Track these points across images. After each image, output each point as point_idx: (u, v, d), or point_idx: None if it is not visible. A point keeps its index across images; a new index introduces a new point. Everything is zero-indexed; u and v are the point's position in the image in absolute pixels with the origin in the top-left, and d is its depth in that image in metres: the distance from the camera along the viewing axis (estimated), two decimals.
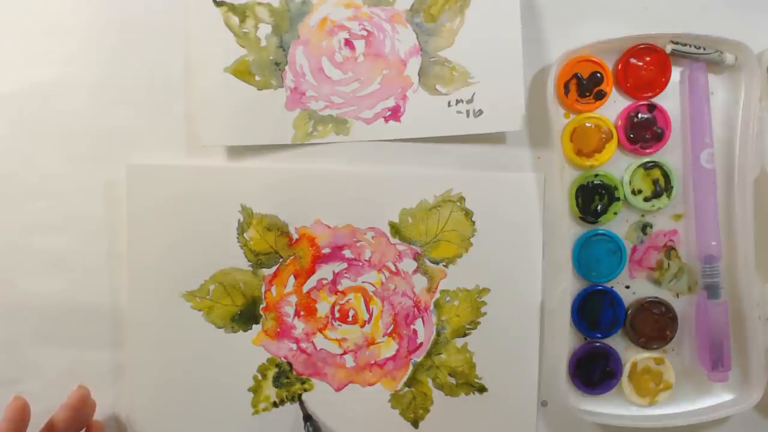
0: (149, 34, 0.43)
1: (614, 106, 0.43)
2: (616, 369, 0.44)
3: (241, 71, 0.42)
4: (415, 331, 0.44)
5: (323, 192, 0.42)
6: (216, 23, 0.42)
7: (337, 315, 0.43)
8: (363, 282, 0.43)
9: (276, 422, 0.43)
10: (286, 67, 0.42)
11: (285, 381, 0.43)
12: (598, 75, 0.42)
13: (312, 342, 0.43)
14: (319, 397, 0.43)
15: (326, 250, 0.43)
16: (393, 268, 0.43)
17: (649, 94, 0.43)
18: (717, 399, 0.45)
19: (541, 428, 0.45)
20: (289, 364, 0.43)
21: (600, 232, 0.43)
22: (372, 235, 0.43)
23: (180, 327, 0.42)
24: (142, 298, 0.42)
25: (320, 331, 0.43)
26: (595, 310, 0.44)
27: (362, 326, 0.43)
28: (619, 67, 0.43)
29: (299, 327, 0.43)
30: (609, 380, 0.44)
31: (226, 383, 0.43)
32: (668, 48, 0.42)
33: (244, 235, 0.42)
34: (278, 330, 0.43)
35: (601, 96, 0.43)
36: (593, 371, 0.44)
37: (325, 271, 0.43)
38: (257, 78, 0.42)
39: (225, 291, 0.42)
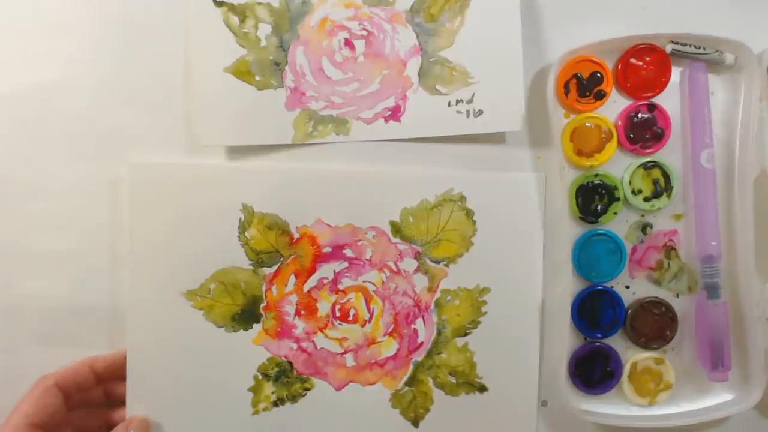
0: (149, 34, 0.43)
1: (614, 106, 0.43)
2: (616, 369, 0.44)
3: (241, 71, 0.42)
4: (415, 331, 0.44)
5: (324, 191, 0.42)
6: (216, 23, 0.42)
7: (337, 314, 0.43)
8: (364, 281, 0.43)
9: (276, 422, 0.43)
10: (286, 67, 0.42)
11: (285, 380, 0.43)
12: (598, 75, 0.42)
13: (312, 341, 0.43)
14: (319, 397, 0.43)
15: (327, 249, 0.43)
16: (394, 268, 0.43)
17: (649, 94, 0.43)
18: (717, 399, 0.45)
19: (541, 428, 0.45)
20: (290, 363, 0.43)
21: (600, 232, 0.43)
22: (373, 235, 0.43)
23: (180, 326, 0.42)
24: (143, 297, 0.42)
25: (321, 330, 0.43)
26: (595, 310, 0.44)
27: (363, 325, 0.43)
28: (619, 67, 0.43)
29: (300, 326, 0.43)
30: (609, 380, 0.44)
31: (226, 383, 0.43)
32: (668, 48, 0.42)
33: (245, 233, 0.42)
34: (279, 329, 0.43)
35: (601, 96, 0.43)
36: (593, 371, 0.44)
37: (325, 270, 0.43)
38: (257, 78, 0.42)
39: (226, 290, 0.42)
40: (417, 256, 0.43)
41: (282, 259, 0.43)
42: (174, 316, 0.42)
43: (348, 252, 0.43)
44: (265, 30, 0.42)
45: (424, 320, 0.43)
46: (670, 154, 0.44)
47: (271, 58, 0.42)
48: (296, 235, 0.43)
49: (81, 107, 0.43)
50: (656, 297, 0.44)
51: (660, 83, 0.43)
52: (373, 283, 0.43)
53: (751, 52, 0.42)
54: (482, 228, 0.43)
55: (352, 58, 0.42)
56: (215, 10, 0.42)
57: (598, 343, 0.44)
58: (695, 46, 0.42)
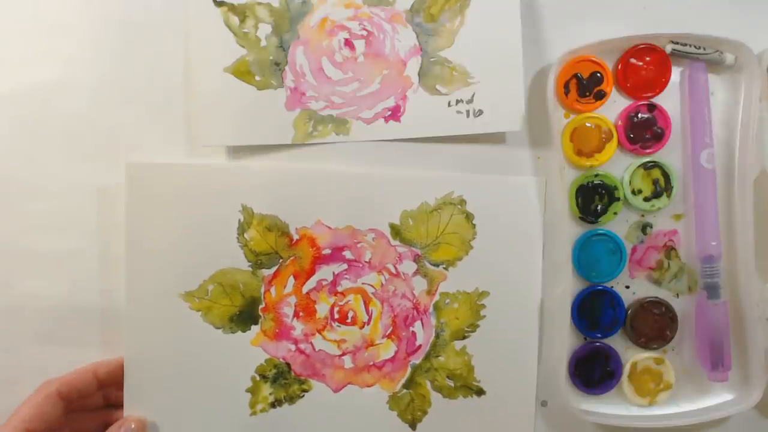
0: (149, 34, 0.43)
1: (614, 106, 0.43)
2: (616, 369, 0.44)
3: (241, 71, 0.42)
4: (414, 333, 0.44)
5: (324, 193, 0.42)
6: (216, 23, 0.42)
7: (336, 316, 0.43)
8: (363, 283, 0.43)
9: (273, 423, 0.43)
10: (286, 67, 0.42)
11: (283, 382, 0.43)
12: (598, 75, 0.42)
13: (311, 343, 0.43)
14: (317, 398, 0.43)
15: (326, 251, 0.43)
16: (393, 270, 0.43)
17: (649, 94, 0.43)
18: (717, 399, 0.45)
19: (541, 428, 0.45)
20: (288, 365, 0.43)
21: (600, 232, 0.43)
22: (372, 237, 0.43)
23: (178, 327, 0.42)
24: (140, 298, 0.42)
25: (319, 332, 0.43)
26: (595, 310, 0.44)
27: (361, 327, 0.43)
28: (619, 67, 0.43)
29: (298, 328, 0.43)
30: (609, 380, 0.44)
31: (224, 384, 0.42)
32: (668, 48, 0.42)
33: (245, 235, 0.42)
34: (277, 331, 0.43)
35: (601, 96, 0.43)
36: (593, 371, 0.44)
37: (324, 272, 0.43)
38: (257, 78, 0.42)
39: (224, 291, 0.42)
40: (416, 258, 0.43)
41: (281, 260, 0.43)
42: (172, 318, 0.42)
43: (347, 254, 0.43)
44: (265, 30, 0.42)
45: (422, 323, 0.43)
46: (670, 154, 0.44)
47: (271, 58, 0.42)
48: (296, 237, 0.43)
49: (81, 107, 0.43)
50: (656, 297, 0.44)
51: (660, 83, 0.43)
52: (372, 286, 0.43)
53: (751, 52, 0.42)
54: (482, 231, 0.43)
55: (352, 58, 0.42)
56: (215, 10, 0.42)
57: (598, 343, 0.44)
58: (695, 46, 0.42)
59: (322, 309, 0.43)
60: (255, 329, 0.43)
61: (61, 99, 0.42)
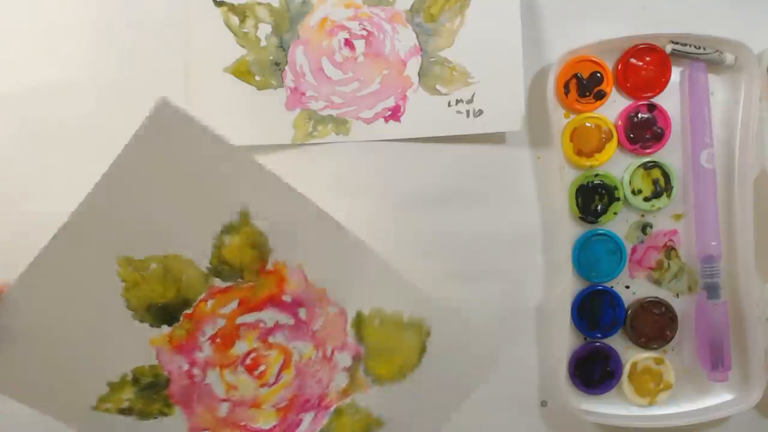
0: (149, 34, 0.43)
1: (614, 106, 0.43)
2: (616, 369, 0.44)
3: (241, 71, 0.42)
4: (299, 422, 0.40)
5: (319, 243, 0.37)
6: (216, 23, 0.42)
7: (247, 362, 0.38)
8: (294, 347, 0.39)
9: (107, 428, 0.37)
10: (286, 67, 0.42)
11: (151, 396, 0.37)
12: (598, 75, 0.42)
13: (205, 372, 0.38)
14: (168, 428, 0.38)
15: (287, 298, 0.38)
16: (328, 353, 0.39)
17: (649, 94, 0.43)
18: (717, 399, 0.45)
19: (541, 428, 0.45)
20: (168, 381, 0.37)
21: (600, 232, 0.43)
22: (335, 311, 0.39)
23: (88, 286, 0.35)
24: (74, 235, 0.35)
25: (221, 366, 0.38)
26: (595, 310, 0.44)
27: (261, 387, 0.39)
28: (619, 67, 0.43)
29: (205, 351, 0.38)
30: (609, 380, 0.44)
31: (92, 366, 0.36)
32: (668, 48, 0.42)
33: (226, 236, 0.36)
34: (183, 343, 0.37)
35: (601, 96, 0.43)
36: (593, 371, 0.44)
37: (269, 315, 0.38)
38: (257, 78, 0.42)
39: (163, 277, 0.36)
40: (356, 356, 0.40)
41: (240, 280, 0.37)
42: (90, 272, 0.35)
43: (301, 312, 0.39)
44: (265, 30, 0.42)
45: (315, 416, 0.40)
46: (670, 154, 0.44)
47: (271, 58, 0.42)
48: (270, 267, 0.37)
49: (80, 107, 0.42)
50: (656, 297, 0.44)
51: (660, 83, 0.43)
52: (300, 354, 0.39)
53: (751, 52, 0.42)
54: (426, 366, 0.40)
55: (352, 58, 0.42)
56: (215, 10, 0.42)
57: (598, 343, 0.44)
58: (695, 46, 0.42)
59: (240, 347, 0.38)
60: (164, 330, 0.37)
61: (61, 99, 0.42)
